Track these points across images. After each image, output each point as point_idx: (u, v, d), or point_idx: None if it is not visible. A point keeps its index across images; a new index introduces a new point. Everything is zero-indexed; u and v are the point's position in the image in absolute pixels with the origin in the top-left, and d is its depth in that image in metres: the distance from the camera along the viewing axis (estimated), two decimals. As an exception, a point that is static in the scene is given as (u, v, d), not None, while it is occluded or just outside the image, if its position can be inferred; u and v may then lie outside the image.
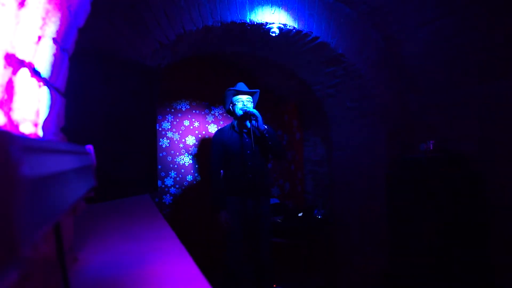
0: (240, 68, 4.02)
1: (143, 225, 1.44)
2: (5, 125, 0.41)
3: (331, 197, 3.47)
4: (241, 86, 2.53)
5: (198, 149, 3.79)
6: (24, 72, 0.48)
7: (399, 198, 2.54)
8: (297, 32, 2.50)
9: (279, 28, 2.41)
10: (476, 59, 2.25)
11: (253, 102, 2.55)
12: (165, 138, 3.67)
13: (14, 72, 0.45)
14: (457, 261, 2.23)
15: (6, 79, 0.42)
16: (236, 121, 2.54)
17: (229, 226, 2.40)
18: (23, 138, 0.26)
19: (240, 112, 2.45)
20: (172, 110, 3.74)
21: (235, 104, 2.50)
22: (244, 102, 2.48)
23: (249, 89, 2.55)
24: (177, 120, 3.74)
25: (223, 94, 2.58)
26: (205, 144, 3.82)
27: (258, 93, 2.58)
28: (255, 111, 2.36)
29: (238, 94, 2.51)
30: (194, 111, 3.83)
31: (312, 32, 2.52)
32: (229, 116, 3.43)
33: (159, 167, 3.59)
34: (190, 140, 3.77)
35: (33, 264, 0.49)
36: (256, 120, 2.35)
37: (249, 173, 2.41)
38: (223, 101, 2.59)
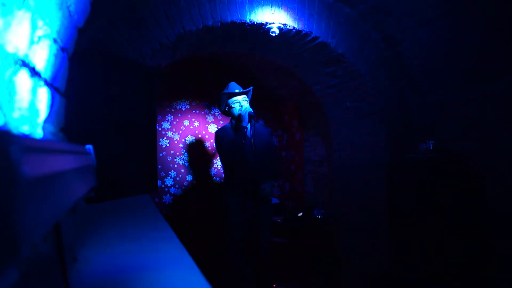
0: (240, 68, 4.02)
1: (143, 225, 1.44)
2: (5, 125, 0.41)
3: (331, 197, 3.47)
4: (234, 86, 2.49)
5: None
6: (24, 72, 0.48)
7: (399, 198, 2.54)
8: (297, 32, 2.50)
9: (279, 28, 2.41)
10: (476, 59, 2.25)
11: (248, 98, 2.51)
12: (165, 138, 3.67)
13: (14, 72, 0.45)
14: (458, 261, 2.23)
15: (6, 79, 0.42)
16: (235, 122, 2.52)
17: (230, 223, 2.41)
18: (23, 138, 0.26)
19: (240, 112, 2.43)
20: (172, 110, 3.74)
21: (232, 107, 2.46)
22: (240, 102, 2.44)
23: (243, 87, 2.51)
24: (177, 120, 3.74)
25: (218, 97, 2.55)
26: (205, 144, 3.82)
27: (252, 89, 2.53)
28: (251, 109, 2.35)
29: (232, 97, 2.47)
30: (194, 111, 3.83)
31: (312, 32, 2.51)
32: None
33: (159, 167, 3.59)
34: (190, 140, 3.77)
35: (33, 264, 0.49)
36: (256, 121, 2.33)
37: (251, 174, 2.40)
38: (218, 102, 2.56)
